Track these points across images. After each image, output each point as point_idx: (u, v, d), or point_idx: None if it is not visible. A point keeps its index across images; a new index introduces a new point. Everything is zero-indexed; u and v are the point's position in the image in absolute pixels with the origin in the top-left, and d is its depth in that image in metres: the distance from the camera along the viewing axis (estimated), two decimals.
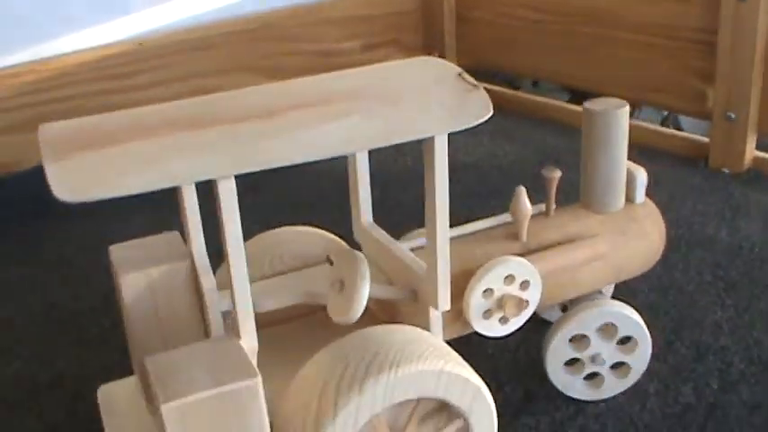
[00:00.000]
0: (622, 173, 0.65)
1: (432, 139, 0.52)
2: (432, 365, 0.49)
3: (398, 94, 0.51)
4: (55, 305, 0.85)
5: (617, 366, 0.65)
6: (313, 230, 0.68)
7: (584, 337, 0.64)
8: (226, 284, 0.54)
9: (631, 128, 0.64)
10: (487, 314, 0.59)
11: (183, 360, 0.49)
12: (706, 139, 1.08)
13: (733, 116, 1.02)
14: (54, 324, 0.82)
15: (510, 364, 0.70)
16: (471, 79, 0.53)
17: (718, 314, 0.75)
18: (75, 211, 1.04)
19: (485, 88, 0.53)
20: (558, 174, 0.63)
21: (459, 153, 1.13)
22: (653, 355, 0.66)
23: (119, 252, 0.58)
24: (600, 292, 0.67)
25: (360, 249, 0.63)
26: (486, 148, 1.16)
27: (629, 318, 0.64)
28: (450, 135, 0.51)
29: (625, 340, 0.65)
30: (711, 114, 1.05)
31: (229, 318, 0.55)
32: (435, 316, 0.57)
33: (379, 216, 0.67)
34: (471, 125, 0.51)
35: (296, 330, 0.65)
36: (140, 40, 1.14)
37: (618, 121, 0.63)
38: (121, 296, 0.56)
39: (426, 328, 0.57)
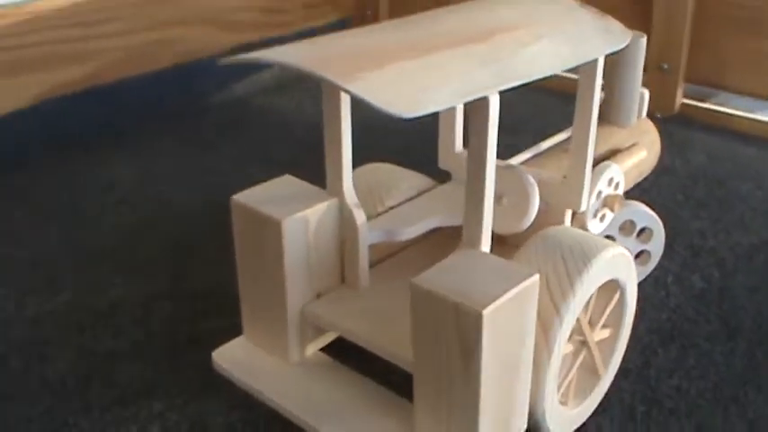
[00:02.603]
0: (639, 92, 0.76)
1: (594, 60, 0.57)
2: (607, 252, 0.55)
3: (560, 22, 0.56)
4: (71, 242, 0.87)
5: (639, 255, 0.76)
6: (395, 167, 0.70)
7: (608, 237, 0.74)
8: None
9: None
10: (595, 213, 0.67)
11: (456, 273, 0.50)
12: None
13: (666, 66, 1.16)
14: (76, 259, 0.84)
15: None
16: (593, 8, 0.60)
17: (699, 224, 0.88)
18: (51, 161, 1.04)
19: None
20: (602, 95, 0.73)
21: None
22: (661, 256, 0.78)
23: (249, 200, 0.57)
24: None
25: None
26: None
27: (644, 212, 0.74)
28: None
29: (641, 232, 0.76)
30: (646, 65, 1.19)
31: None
32: (568, 218, 0.63)
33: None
34: (623, 45, 0.58)
35: (414, 257, 0.66)
36: None
37: (642, 46, 0.74)
38: (280, 242, 0.55)
39: None
